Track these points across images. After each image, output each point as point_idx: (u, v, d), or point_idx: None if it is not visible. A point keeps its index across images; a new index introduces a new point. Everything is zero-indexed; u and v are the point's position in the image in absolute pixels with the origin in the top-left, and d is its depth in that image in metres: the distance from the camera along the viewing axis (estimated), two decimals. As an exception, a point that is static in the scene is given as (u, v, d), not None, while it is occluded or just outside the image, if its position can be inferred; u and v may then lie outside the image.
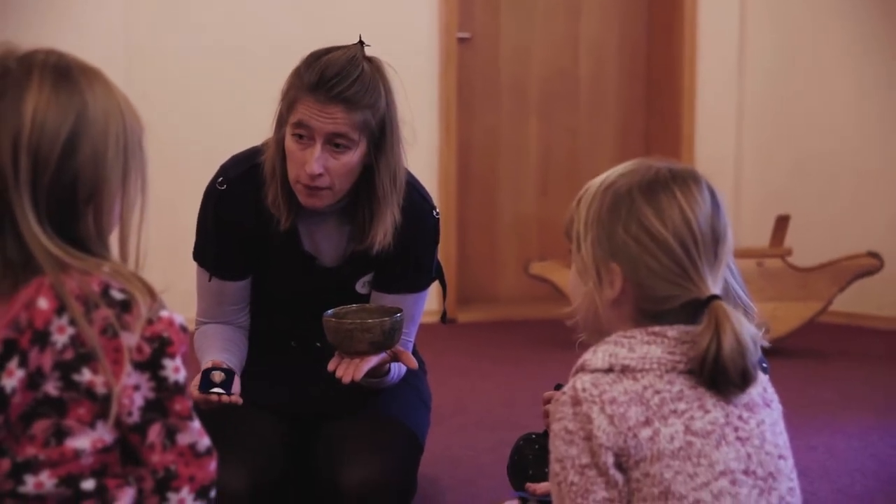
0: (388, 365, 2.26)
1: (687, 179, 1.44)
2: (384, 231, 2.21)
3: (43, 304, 1.22)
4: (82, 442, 1.25)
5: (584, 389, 1.37)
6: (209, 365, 2.17)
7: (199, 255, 2.35)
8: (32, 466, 1.24)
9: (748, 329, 1.37)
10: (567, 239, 1.51)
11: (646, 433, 1.34)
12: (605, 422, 1.35)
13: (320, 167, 2.13)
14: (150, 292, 1.28)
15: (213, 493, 1.35)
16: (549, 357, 4.19)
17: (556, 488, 1.38)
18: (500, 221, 5.40)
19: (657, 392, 1.36)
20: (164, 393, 1.28)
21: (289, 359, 2.39)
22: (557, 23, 5.37)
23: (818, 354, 4.32)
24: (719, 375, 1.36)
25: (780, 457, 1.41)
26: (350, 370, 2.15)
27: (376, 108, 2.15)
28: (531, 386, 3.74)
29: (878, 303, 4.92)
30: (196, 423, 1.32)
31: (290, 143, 2.15)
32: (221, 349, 2.29)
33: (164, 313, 1.29)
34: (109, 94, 1.32)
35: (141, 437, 1.29)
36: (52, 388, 1.23)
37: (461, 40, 5.12)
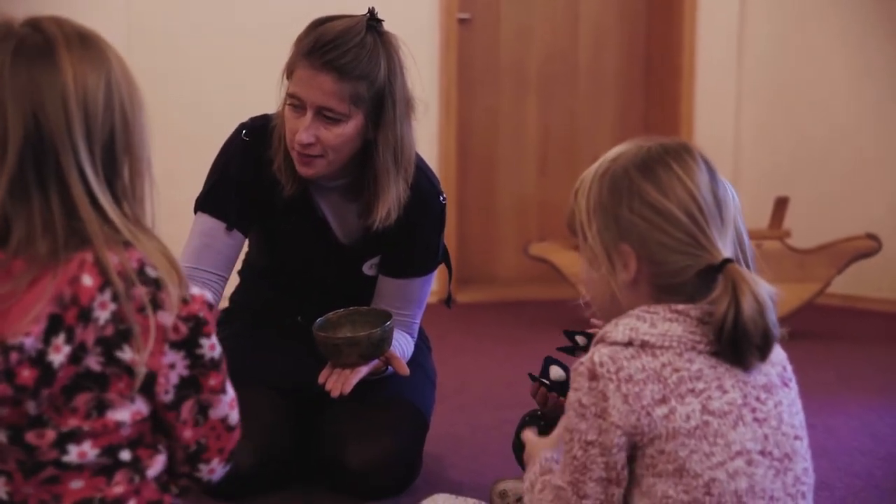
0: (385, 366, 2.27)
1: (680, 152, 1.44)
2: (388, 207, 2.21)
3: (87, 281, 1.23)
4: (123, 414, 1.27)
5: (601, 364, 1.36)
6: None
7: (207, 201, 2.28)
8: (76, 437, 1.26)
9: (765, 287, 1.37)
10: (571, 233, 1.50)
11: (660, 411, 1.34)
12: (620, 401, 1.35)
13: (310, 137, 2.14)
14: (176, 269, 1.29)
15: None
16: (548, 337, 4.19)
17: (563, 456, 1.40)
18: (500, 202, 5.41)
19: (676, 370, 1.36)
20: (200, 369, 1.30)
21: (297, 335, 2.40)
22: (557, 4, 5.37)
23: (816, 336, 4.34)
24: (740, 338, 1.35)
25: (796, 437, 1.42)
26: (339, 384, 2.16)
27: (371, 79, 2.15)
28: (531, 366, 3.74)
29: (877, 284, 4.94)
30: (227, 396, 1.35)
31: (286, 111, 2.19)
32: None
33: (195, 291, 1.30)
34: (119, 58, 1.34)
35: (176, 413, 1.31)
36: (94, 362, 1.24)
37: (461, 21, 5.11)
